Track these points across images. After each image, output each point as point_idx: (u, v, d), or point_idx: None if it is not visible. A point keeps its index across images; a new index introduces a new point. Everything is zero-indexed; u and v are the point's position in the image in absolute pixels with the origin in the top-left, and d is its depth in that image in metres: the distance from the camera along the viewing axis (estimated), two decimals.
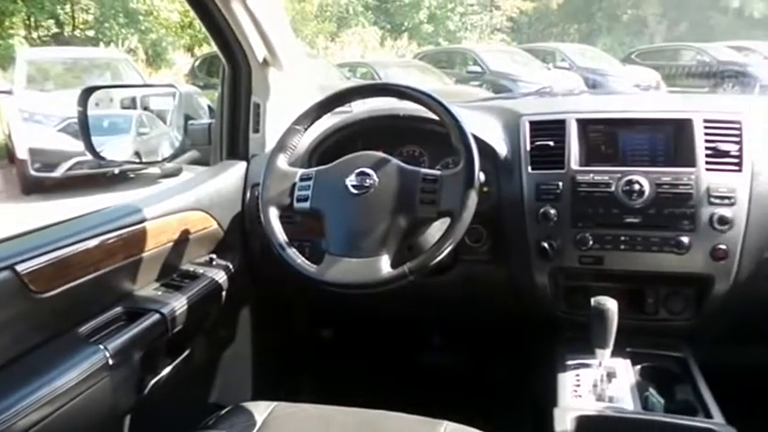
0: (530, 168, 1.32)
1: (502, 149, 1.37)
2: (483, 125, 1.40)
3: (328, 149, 1.43)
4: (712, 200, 1.21)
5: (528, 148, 1.34)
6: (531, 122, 1.37)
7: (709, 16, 19.36)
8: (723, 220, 1.20)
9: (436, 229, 1.21)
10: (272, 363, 1.73)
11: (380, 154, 1.23)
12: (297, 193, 1.23)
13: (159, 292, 1.25)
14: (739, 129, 1.26)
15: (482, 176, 1.27)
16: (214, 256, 1.43)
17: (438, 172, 1.18)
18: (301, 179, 1.24)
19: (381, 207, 1.17)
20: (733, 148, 1.24)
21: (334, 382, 1.83)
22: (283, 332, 1.77)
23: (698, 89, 12.37)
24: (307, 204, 1.22)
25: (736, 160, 1.24)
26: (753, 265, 1.23)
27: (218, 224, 1.45)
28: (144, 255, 1.21)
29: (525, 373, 1.68)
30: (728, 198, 1.21)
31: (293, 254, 1.19)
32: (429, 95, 1.22)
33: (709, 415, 1.07)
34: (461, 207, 1.13)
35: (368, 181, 1.19)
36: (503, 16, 19.10)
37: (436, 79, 10.59)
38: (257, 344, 1.64)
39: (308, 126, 1.30)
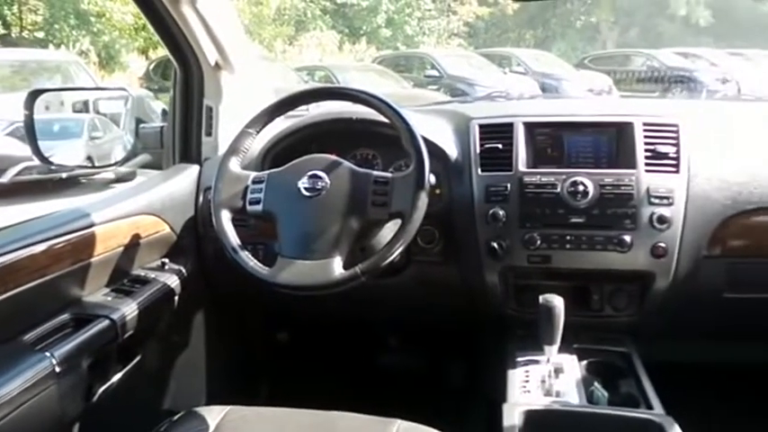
0: (479, 170, 1.36)
1: (452, 152, 1.40)
2: (434, 128, 1.43)
3: (282, 153, 1.43)
4: (652, 200, 1.27)
5: (477, 150, 1.37)
6: (481, 126, 1.40)
7: (658, 23, 20.04)
8: (662, 220, 1.26)
9: (389, 230, 1.23)
10: (228, 367, 1.72)
11: (332, 157, 1.24)
12: (249, 195, 1.23)
13: (109, 298, 1.24)
14: (676, 132, 1.32)
15: (433, 178, 1.30)
16: (166, 260, 1.42)
17: (389, 174, 1.21)
18: (254, 182, 1.25)
19: (333, 209, 1.18)
20: (671, 151, 1.30)
21: (291, 384, 1.82)
22: (238, 336, 1.76)
23: (648, 94, 12.80)
24: (259, 207, 1.22)
25: (673, 162, 1.29)
26: (690, 262, 1.29)
27: (171, 228, 1.44)
28: (93, 260, 1.19)
29: (479, 371, 1.71)
30: (667, 198, 1.27)
31: (246, 257, 1.19)
32: (380, 99, 1.24)
33: (650, 407, 1.11)
34: (412, 208, 1.15)
35: (320, 183, 1.20)
36: (460, 21, 19.35)
37: (394, 83, 10.66)
38: (211, 348, 1.62)
39: (261, 129, 1.30)
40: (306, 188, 1.20)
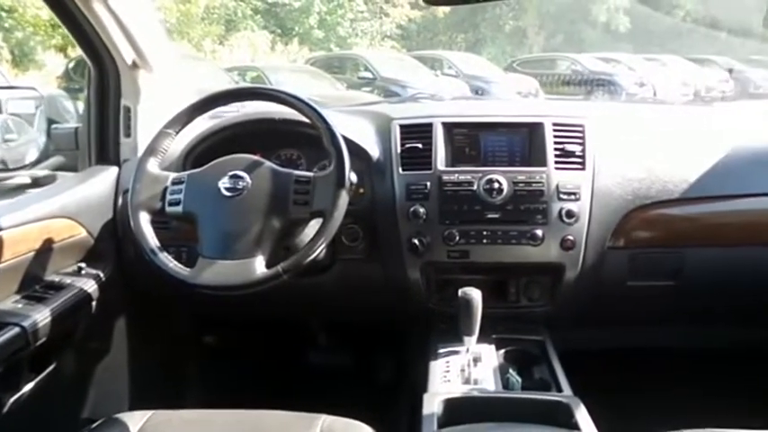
0: (400, 169, 1.39)
1: (374, 152, 1.43)
2: (357, 129, 1.46)
3: (204, 153, 1.42)
4: (561, 196, 1.34)
5: (398, 150, 1.41)
6: (401, 126, 1.44)
7: (581, 29, 20.91)
8: (570, 214, 1.33)
9: (313, 229, 1.25)
10: (153, 372, 1.68)
11: (254, 157, 1.25)
12: (168, 197, 1.23)
13: (19, 305, 1.19)
14: (582, 132, 1.40)
15: (354, 177, 1.32)
16: (83, 265, 1.38)
17: (311, 174, 1.23)
18: (173, 183, 1.24)
19: (255, 209, 1.19)
20: (577, 149, 1.38)
21: (220, 387, 1.81)
22: (163, 340, 1.73)
23: (573, 96, 13.34)
24: (179, 208, 1.22)
25: (580, 160, 1.37)
26: (596, 253, 1.37)
27: (88, 232, 1.40)
28: (0, 266, 1.15)
29: (405, 365, 1.75)
30: (574, 194, 1.34)
31: (165, 258, 1.18)
32: (300, 100, 1.25)
33: (559, 389, 1.18)
34: (333, 207, 1.18)
35: (241, 183, 1.20)
36: (392, 23, 19.50)
37: (328, 85, 10.64)
38: (134, 354, 1.59)
39: (180, 129, 1.29)
40: (226, 188, 1.20)
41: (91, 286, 1.34)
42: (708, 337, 1.64)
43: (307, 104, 1.25)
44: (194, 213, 1.21)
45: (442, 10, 19.90)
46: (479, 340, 1.27)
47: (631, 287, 1.43)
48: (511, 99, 8.82)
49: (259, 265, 1.16)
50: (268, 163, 1.24)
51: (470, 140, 1.44)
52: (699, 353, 1.67)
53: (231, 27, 16.79)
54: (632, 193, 1.38)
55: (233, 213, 1.19)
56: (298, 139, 1.45)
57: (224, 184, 1.20)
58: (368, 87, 11.21)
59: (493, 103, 2.12)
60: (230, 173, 1.21)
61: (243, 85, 8.89)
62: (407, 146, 1.41)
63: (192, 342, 1.84)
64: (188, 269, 1.17)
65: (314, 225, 1.25)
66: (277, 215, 1.19)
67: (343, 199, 1.19)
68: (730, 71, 14.61)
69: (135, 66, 1.48)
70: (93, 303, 1.35)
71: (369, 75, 11.65)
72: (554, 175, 1.35)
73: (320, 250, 1.18)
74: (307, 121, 1.27)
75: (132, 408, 1.32)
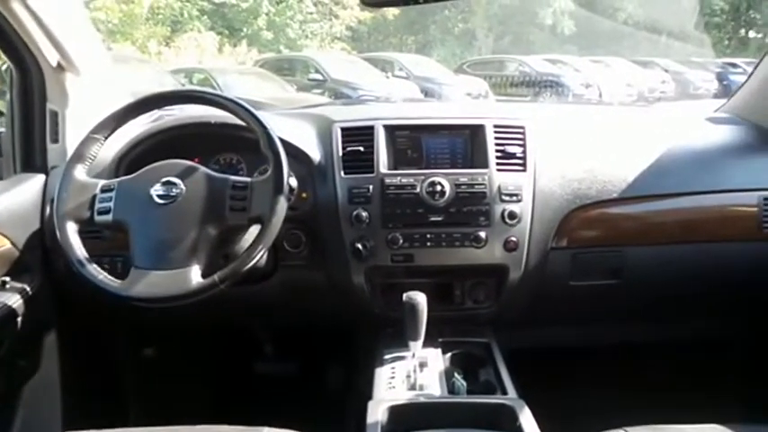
0: (342, 173, 1.37)
1: (316, 155, 1.40)
2: (298, 132, 1.43)
3: (138, 159, 1.36)
4: (503, 197, 1.34)
5: (340, 153, 1.39)
6: (343, 129, 1.42)
7: (529, 31, 21.34)
8: (512, 215, 1.34)
9: (253, 236, 1.21)
10: (88, 390, 1.60)
11: (187, 162, 1.21)
12: (98, 205, 1.18)
13: None
14: (523, 133, 1.41)
15: (294, 182, 1.31)
16: (7, 278, 1.30)
17: (248, 179, 1.20)
18: (102, 190, 1.19)
19: (189, 216, 1.15)
20: (518, 151, 1.38)
21: (161, 402, 1.74)
22: (99, 355, 1.65)
23: (521, 97, 13.62)
24: (109, 217, 1.17)
25: (521, 161, 1.38)
26: (539, 254, 1.38)
27: (12, 243, 1.32)
28: None
29: (353, 372, 1.73)
30: (516, 195, 1.35)
31: (94, 270, 1.13)
32: (235, 102, 1.22)
33: (504, 392, 1.18)
34: (271, 212, 1.15)
35: (174, 190, 1.16)
36: (342, 25, 19.43)
37: (278, 87, 10.53)
38: (67, 371, 1.51)
39: (109, 134, 1.24)
40: (159, 195, 1.16)
41: (16, 301, 1.27)
42: (650, 334, 1.68)
43: (242, 107, 1.21)
44: (125, 222, 1.16)
45: (392, 12, 19.99)
46: (425, 344, 1.26)
47: (574, 287, 1.44)
48: (457, 101, 8.90)
49: (195, 275, 1.12)
50: (203, 168, 1.20)
51: (413, 143, 1.43)
52: (643, 349, 1.70)
53: (177, 28, 16.37)
54: (573, 194, 1.40)
55: (166, 221, 1.15)
56: (238, 143, 1.41)
57: (156, 191, 1.16)
58: (318, 89, 11.17)
59: (435, 105, 2.12)
60: (163, 179, 1.17)
61: (175, 88, 8.69)
62: (349, 149, 1.39)
63: (129, 355, 1.77)
64: (119, 281, 1.12)
65: (254, 232, 1.21)
66: (213, 222, 1.16)
67: (282, 204, 1.16)
68: (666, 71, 15.19)
69: (60, 68, 1.41)
70: (19, 319, 1.27)
71: (319, 77, 11.60)
72: (496, 177, 1.35)
73: (259, 257, 1.16)
74: (244, 124, 1.23)
75: (66, 429, 1.26)
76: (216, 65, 13.18)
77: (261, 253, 1.15)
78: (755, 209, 1.43)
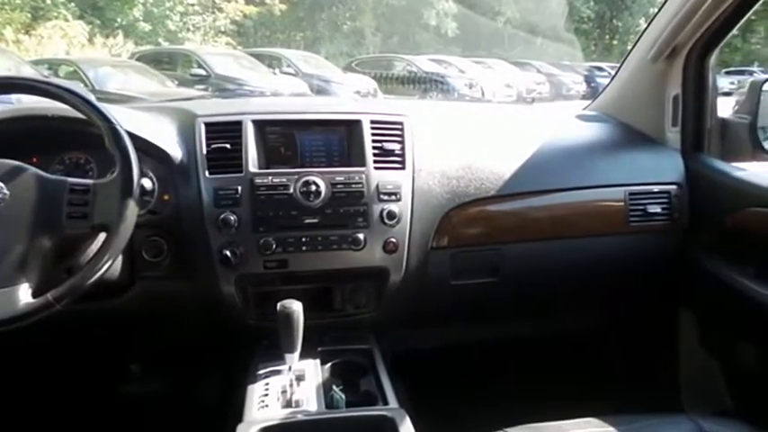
0: (207, 173, 1.25)
1: (177, 153, 1.27)
2: (155, 128, 1.30)
3: None
4: (381, 197, 1.28)
5: (204, 151, 1.27)
6: (207, 124, 1.30)
7: (415, 32, 21.81)
8: (391, 215, 1.28)
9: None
10: None
11: (11, 162, 1.04)
12: None
13: None
14: (401, 129, 1.36)
15: (149, 183, 1.18)
16: None
17: (90, 181, 1.06)
18: None
19: (15, 225, 1.00)
20: (396, 147, 1.33)
21: None
22: None
23: (409, 96, 13.88)
24: None
25: (399, 159, 1.33)
26: (420, 255, 1.34)
27: None
28: None
29: (227, 389, 1.62)
30: (395, 194, 1.29)
31: None
32: (71, 91, 1.07)
33: (386, 402, 1.12)
34: (119, 219, 1.02)
35: None
36: (227, 19, 18.75)
37: (157, 82, 9.96)
38: None
39: None
40: None
41: None
42: (530, 330, 1.71)
43: (80, 97, 1.06)
44: None
45: (279, 7, 19.67)
46: (304, 355, 1.17)
47: (455, 286, 1.42)
48: (325, 97, 8.86)
49: (24, 294, 0.97)
50: (33, 169, 1.04)
51: (285, 140, 1.33)
52: (524, 346, 1.72)
53: (40, 15, 14.96)
54: (452, 192, 1.37)
55: None
56: (86, 140, 1.24)
57: None
58: (202, 85, 10.69)
59: (310, 100, 2.04)
60: None
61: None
62: (214, 146, 1.27)
63: None
64: None
65: (102, 241, 1.07)
66: (47, 232, 1.01)
67: (132, 209, 1.03)
68: (540, 72, 16.15)
69: None
70: None
71: (202, 72, 11.12)
72: (374, 175, 1.29)
73: (104, 270, 1.02)
74: (85, 118, 1.08)
75: None
76: (87, 56, 12.23)
77: (107, 265, 1.02)
78: (622, 203, 1.47)
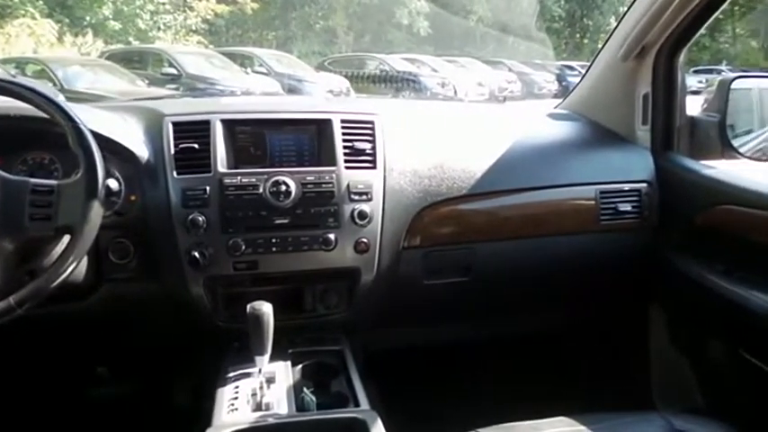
0: (175, 173, 1.23)
1: (143, 153, 1.25)
2: (122, 127, 1.27)
3: None
4: (352, 196, 1.27)
5: (172, 151, 1.25)
6: (175, 123, 1.28)
7: (388, 31, 21.81)
8: (362, 215, 1.27)
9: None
10: None
11: None
12: None
13: None
14: (372, 128, 1.35)
15: (114, 184, 1.16)
16: None
17: (53, 182, 1.03)
18: None
19: None
20: (367, 147, 1.32)
21: None
22: None
23: (383, 95, 13.89)
24: None
25: (370, 158, 1.32)
26: (391, 254, 1.33)
27: None
28: None
29: (198, 393, 1.59)
30: (366, 194, 1.28)
31: None
32: (34, 90, 1.04)
33: (357, 403, 1.11)
34: (83, 220, 1.00)
35: None
36: (198, 18, 18.48)
37: (127, 81, 9.83)
38: None
39: None
40: None
41: None
42: (503, 329, 1.70)
43: (42, 96, 1.04)
44: None
45: (251, 6, 19.49)
46: (274, 357, 1.16)
47: (428, 286, 1.42)
48: (296, 96, 8.80)
49: None
50: None
51: (255, 139, 1.31)
52: (497, 345, 1.72)
53: (6, 13, 14.58)
54: (423, 191, 1.36)
55: None
56: (51, 140, 1.21)
57: None
58: (173, 84, 10.57)
59: (281, 99, 2.02)
60: None
61: None
62: (182, 146, 1.25)
63: None
64: None
65: (67, 243, 1.04)
66: (8, 234, 0.98)
67: (96, 210, 1.01)
68: (511, 71, 16.31)
69: None
70: None
71: (173, 71, 11.00)
72: (344, 175, 1.28)
73: (69, 273, 1.00)
74: (48, 117, 1.06)
75: None
76: (55, 55, 11.97)
77: (71, 268, 0.99)
78: (593, 202, 1.48)
